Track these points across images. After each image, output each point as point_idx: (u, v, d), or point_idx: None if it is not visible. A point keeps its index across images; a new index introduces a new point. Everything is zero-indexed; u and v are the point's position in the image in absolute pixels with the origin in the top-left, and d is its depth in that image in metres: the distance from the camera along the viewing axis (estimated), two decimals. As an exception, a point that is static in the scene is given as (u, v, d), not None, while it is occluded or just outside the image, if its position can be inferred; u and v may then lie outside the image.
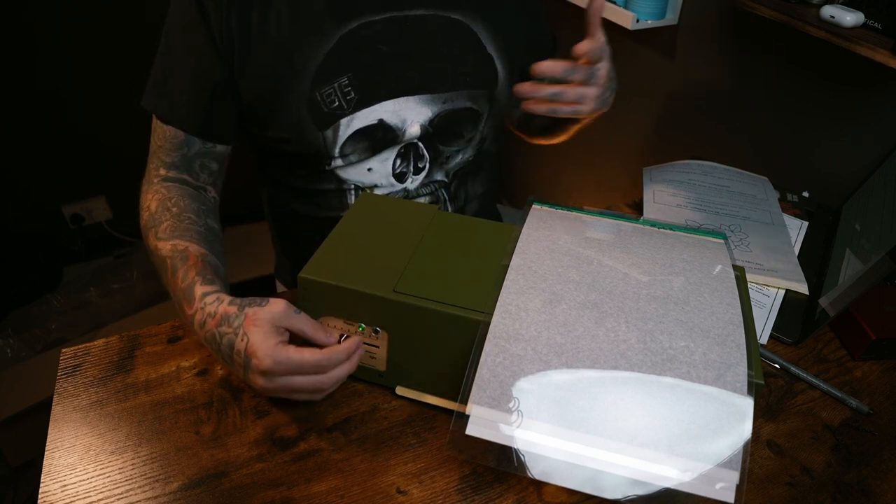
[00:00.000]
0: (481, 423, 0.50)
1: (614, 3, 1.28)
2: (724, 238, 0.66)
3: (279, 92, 0.71)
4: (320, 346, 0.57)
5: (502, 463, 0.50)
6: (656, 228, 0.67)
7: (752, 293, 0.77)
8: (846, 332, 0.74)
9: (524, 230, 0.63)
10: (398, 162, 0.80)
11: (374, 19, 0.72)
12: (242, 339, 0.55)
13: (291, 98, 0.71)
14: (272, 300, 0.56)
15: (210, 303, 0.58)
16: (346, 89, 0.72)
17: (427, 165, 0.82)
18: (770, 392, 0.67)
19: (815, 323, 0.73)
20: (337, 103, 0.73)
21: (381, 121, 0.76)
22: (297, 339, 0.57)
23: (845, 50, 0.84)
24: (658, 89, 1.36)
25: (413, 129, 0.78)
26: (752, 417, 0.48)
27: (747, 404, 0.48)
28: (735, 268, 0.61)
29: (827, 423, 0.63)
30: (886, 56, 0.80)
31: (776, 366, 0.70)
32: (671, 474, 0.47)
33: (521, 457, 0.49)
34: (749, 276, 0.78)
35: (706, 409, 0.48)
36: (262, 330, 0.54)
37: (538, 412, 0.49)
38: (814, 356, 0.72)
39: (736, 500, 0.46)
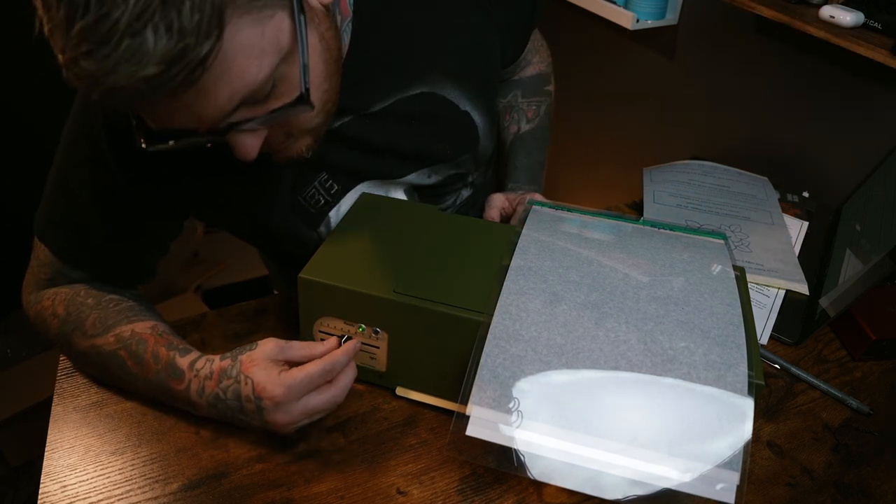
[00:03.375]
0: (481, 423, 0.50)
1: (614, 3, 1.28)
2: (724, 238, 0.66)
3: (262, 210, 0.67)
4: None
5: (502, 464, 0.50)
6: (656, 229, 0.67)
7: (752, 293, 0.77)
8: (846, 333, 0.74)
9: (524, 231, 0.63)
10: None
11: (334, 126, 0.63)
12: (246, 384, 0.53)
13: (275, 211, 0.67)
14: (260, 342, 0.55)
15: (201, 367, 0.56)
16: (328, 184, 0.68)
17: None
18: (770, 392, 0.66)
19: (815, 323, 0.73)
20: (323, 201, 0.68)
21: None
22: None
23: (845, 50, 0.84)
24: (658, 89, 1.36)
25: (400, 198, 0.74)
26: (753, 418, 0.48)
27: (747, 405, 0.48)
28: (735, 268, 0.61)
29: (827, 424, 0.63)
30: (886, 56, 0.80)
31: (776, 366, 0.70)
32: (671, 475, 0.47)
33: (522, 457, 0.49)
34: (749, 276, 0.78)
35: (706, 410, 0.48)
36: (262, 366, 0.53)
37: (538, 413, 0.49)
38: (814, 356, 0.72)
39: (736, 500, 0.46)
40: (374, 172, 0.70)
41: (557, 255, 0.60)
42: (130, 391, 0.62)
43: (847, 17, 0.85)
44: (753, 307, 0.73)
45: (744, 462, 0.47)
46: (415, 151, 0.70)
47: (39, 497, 0.53)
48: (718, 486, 0.46)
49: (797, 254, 0.85)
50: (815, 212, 0.95)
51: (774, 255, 0.83)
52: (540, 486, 0.55)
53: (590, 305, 0.54)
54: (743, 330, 0.53)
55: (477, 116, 0.73)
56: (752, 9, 0.96)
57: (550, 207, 0.70)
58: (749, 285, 0.77)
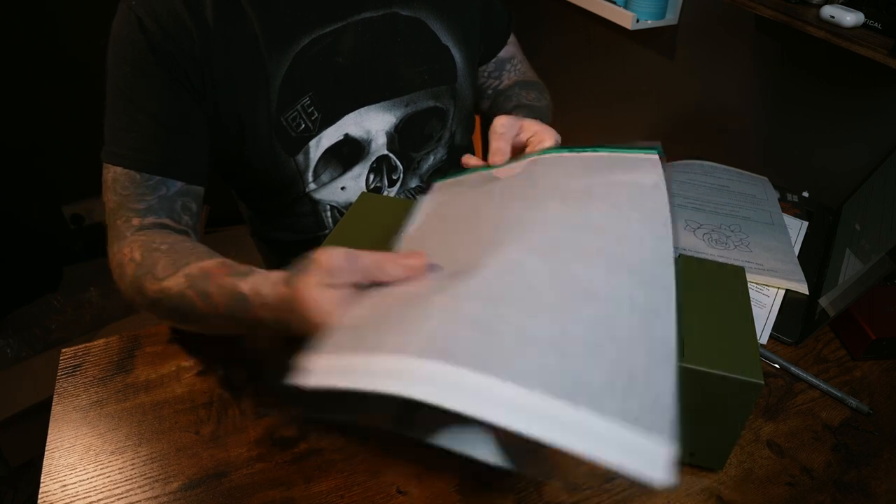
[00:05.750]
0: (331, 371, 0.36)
1: (614, 3, 1.28)
2: (658, 152, 0.52)
3: (247, 125, 0.69)
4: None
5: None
6: (575, 153, 0.55)
7: (752, 293, 0.77)
8: (846, 332, 0.74)
9: (420, 205, 0.55)
10: (371, 177, 0.79)
11: (324, 32, 0.69)
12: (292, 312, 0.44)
13: (260, 130, 0.70)
14: (318, 254, 0.43)
15: (264, 292, 0.47)
16: (310, 110, 0.71)
17: (401, 176, 0.81)
18: (770, 392, 0.67)
19: (815, 323, 0.73)
20: (303, 126, 0.71)
21: (346, 135, 0.74)
22: None
23: (845, 50, 0.84)
24: (658, 89, 1.36)
25: (379, 140, 0.76)
26: (752, 413, 0.47)
27: (672, 360, 0.37)
28: (735, 267, 0.61)
29: (827, 423, 0.63)
30: (886, 56, 0.80)
31: (776, 366, 0.70)
32: (579, 436, 0.32)
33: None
34: (749, 276, 0.78)
35: (629, 360, 0.36)
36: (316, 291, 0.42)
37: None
38: (814, 356, 0.72)
39: (668, 478, 0.31)
40: (352, 94, 0.73)
41: (452, 221, 0.50)
42: (131, 393, 0.62)
43: (847, 17, 0.85)
44: (753, 307, 0.73)
45: (676, 427, 0.33)
46: (395, 70, 0.75)
47: (39, 497, 0.53)
48: (640, 458, 0.32)
49: (797, 254, 0.85)
50: (815, 212, 0.95)
51: (774, 255, 0.83)
52: (540, 485, 0.55)
53: (486, 242, 0.44)
54: (672, 270, 0.42)
55: (457, 54, 0.79)
56: (752, 9, 0.96)
57: (457, 176, 0.61)
58: (749, 285, 0.77)
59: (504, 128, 0.62)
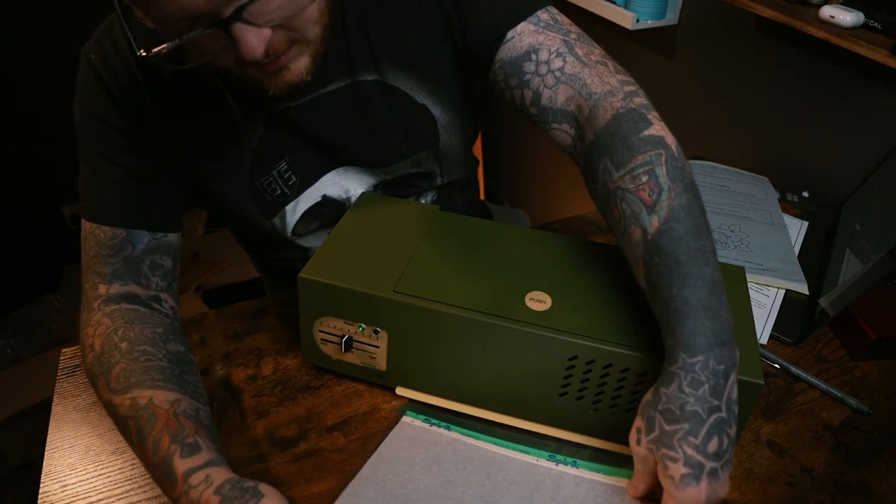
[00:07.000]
0: None
1: (614, 3, 1.28)
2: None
3: (219, 187, 0.69)
4: None
5: None
6: (565, 466, 0.52)
7: (752, 293, 0.77)
8: (846, 332, 0.74)
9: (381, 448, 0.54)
10: None
11: (291, 105, 0.66)
12: None
13: (233, 192, 0.69)
14: (265, 499, 0.45)
15: (195, 485, 0.46)
16: (287, 175, 0.69)
17: None
18: (770, 392, 0.67)
19: (815, 323, 0.73)
20: (280, 191, 0.69)
21: (324, 196, 0.72)
22: None
23: (845, 50, 0.84)
24: (658, 89, 1.36)
25: None
26: (752, 413, 0.47)
27: None
28: (735, 268, 0.61)
29: (827, 423, 0.63)
30: (886, 56, 0.80)
31: (776, 366, 0.70)
32: None
33: None
34: (749, 277, 0.78)
35: None
36: None
37: None
38: (814, 356, 0.72)
39: None
40: (329, 157, 0.70)
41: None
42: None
43: (847, 17, 0.85)
44: (753, 307, 0.73)
45: None
46: (369, 143, 0.70)
47: (39, 497, 0.53)
48: None
49: (797, 254, 0.85)
50: (815, 212, 0.95)
51: (774, 255, 0.83)
52: (540, 485, 0.55)
53: None
54: None
55: (436, 109, 0.70)
56: (752, 9, 0.96)
57: (425, 421, 0.59)
58: (749, 285, 0.77)
59: (642, 465, 0.48)
